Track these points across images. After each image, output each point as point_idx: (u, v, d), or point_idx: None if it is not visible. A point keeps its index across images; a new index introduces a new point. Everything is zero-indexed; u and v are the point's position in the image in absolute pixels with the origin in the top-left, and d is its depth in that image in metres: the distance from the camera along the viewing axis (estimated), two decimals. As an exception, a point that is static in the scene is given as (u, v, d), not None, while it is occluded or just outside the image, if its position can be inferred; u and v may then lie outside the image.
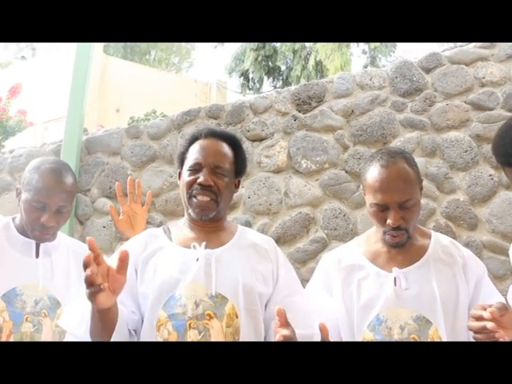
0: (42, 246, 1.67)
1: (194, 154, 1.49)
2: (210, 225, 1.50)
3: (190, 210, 1.48)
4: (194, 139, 1.54)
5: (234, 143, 1.56)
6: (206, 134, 1.53)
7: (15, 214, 1.73)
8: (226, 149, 1.52)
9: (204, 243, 1.45)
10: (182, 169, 1.54)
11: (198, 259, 1.41)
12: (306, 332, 1.36)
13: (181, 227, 1.55)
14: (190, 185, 1.46)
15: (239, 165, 1.56)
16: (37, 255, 1.66)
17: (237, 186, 1.58)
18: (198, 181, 1.43)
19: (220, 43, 15.40)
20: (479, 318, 1.23)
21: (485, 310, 1.23)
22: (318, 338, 1.25)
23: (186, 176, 1.48)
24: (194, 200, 1.45)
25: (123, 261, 1.17)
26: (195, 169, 1.46)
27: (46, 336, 1.60)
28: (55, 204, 1.58)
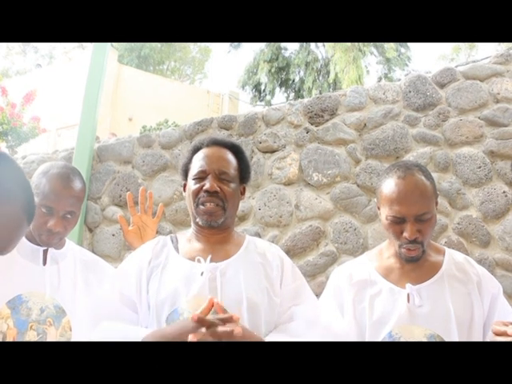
0: (49, 253, 1.65)
1: (197, 163, 1.49)
2: (217, 235, 1.49)
3: (197, 219, 1.47)
4: (196, 149, 1.54)
5: (237, 150, 1.56)
6: (208, 143, 1.54)
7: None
8: (230, 155, 1.52)
9: (209, 257, 1.43)
10: (186, 180, 1.54)
11: (202, 273, 1.39)
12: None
13: (188, 238, 1.53)
14: (197, 193, 1.45)
15: (243, 171, 1.55)
16: (44, 263, 1.63)
17: (242, 193, 1.58)
18: (204, 188, 1.43)
19: (233, 49, 15.53)
20: (502, 334, 1.20)
21: (506, 326, 1.21)
22: None
23: (191, 185, 1.47)
24: (202, 207, 1.44)
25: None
26: (200, 177, 1.46)
27: None
28: (63, 209, 1.56)
